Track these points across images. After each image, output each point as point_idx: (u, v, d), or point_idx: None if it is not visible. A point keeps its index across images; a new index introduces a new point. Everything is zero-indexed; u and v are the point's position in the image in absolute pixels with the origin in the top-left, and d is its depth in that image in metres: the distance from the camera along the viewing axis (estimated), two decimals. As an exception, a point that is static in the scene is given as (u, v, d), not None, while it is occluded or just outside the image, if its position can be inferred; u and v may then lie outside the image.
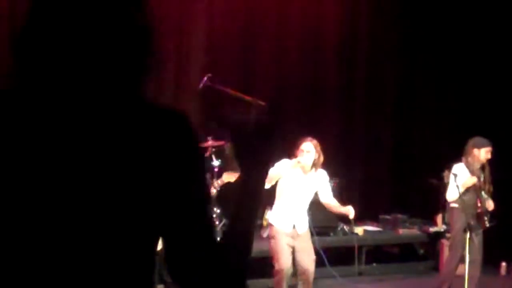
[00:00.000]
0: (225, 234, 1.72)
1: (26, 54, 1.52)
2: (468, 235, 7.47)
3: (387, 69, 10.95)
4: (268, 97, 1.99)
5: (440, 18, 10.96)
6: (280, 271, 6.58)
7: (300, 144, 6.64)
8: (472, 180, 7.53)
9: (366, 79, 10.83)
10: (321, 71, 10.55)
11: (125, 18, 1.53)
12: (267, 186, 6.41)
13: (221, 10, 9.83)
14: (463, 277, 7.45)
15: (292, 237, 6.67)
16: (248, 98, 8.62)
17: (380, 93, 10.86)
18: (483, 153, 7.61)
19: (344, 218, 9.29)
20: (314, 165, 6.71)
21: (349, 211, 7.00)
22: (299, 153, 6.61)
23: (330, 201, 7.00)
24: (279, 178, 6.62)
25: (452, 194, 7.59)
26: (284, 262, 6.59)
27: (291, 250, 6.65)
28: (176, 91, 9.50)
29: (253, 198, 1.75)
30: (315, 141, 6.67)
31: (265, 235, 8.26)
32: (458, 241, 7.63)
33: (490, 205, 7.71)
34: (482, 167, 7.72)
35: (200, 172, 1.65)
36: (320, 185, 6.84)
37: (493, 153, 7.67)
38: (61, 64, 1.49)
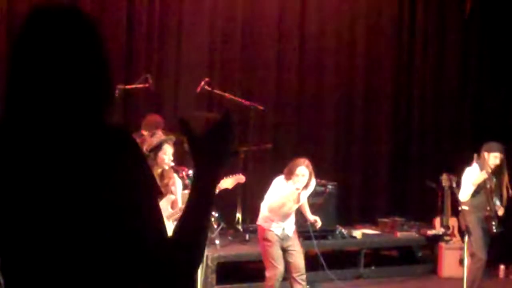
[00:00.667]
0: (175, 231, 1.80)
1: (9, 94, 1.81)
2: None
3: (386, 72, 10.95)
4: (225, 108, 2.07)
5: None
6: (274, 276, 6.66)
7: (295, 168, 6.71)
8: (483, 175, 7.58)
9: (366, 82, 10.82)
10: (321, 75, 10.55)
11: (82, 61, 1.81)
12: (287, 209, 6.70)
13: (221, 12, 9.85)
14: (461, 280, 7.48)
15: (283, 239, 6.77)
16: (246, 102, 8.71)
17: (379, 96, 10.84)
18: (491, 158, 7.71)
19: (342, 222, 9.32)
20: (307, 185, 6.80)
21: (317, 221, 7.13)
22: (294, 177, 6.68)
23: (306, 205, 7.13)
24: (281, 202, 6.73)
25: (464, 194, 7.67)
26: (280, 265, 6.68)
27: (281, 252, 6.76)
28: (176, 95, 9.48)
29: (203, 197, 1.84)
30: (307, 162, 6.74)
31: (247, 237, 8.29)
32: (479, 246, 7.61)
33: (500, 210, 7.76)
34: (496, 172, 7.77)
35: (141, 181, 1.77)
36: (307, 190, 6.90)
37: (504, 159, 7.76)
38: (33, 101, 1.77)
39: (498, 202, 7.79)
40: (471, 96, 11.31)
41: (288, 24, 10.29)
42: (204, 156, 1.85)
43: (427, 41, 11.18)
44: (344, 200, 9.64)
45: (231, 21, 9.88)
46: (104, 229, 1.70)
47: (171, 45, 9.56)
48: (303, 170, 6.68)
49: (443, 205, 9.21)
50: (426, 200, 10.13)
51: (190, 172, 7.45)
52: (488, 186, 7.65)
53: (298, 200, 6.73)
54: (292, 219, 6.87)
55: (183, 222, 1.81)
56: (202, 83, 8.14)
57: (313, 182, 6.95)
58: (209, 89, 8.16)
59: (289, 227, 6.83)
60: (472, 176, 7.64)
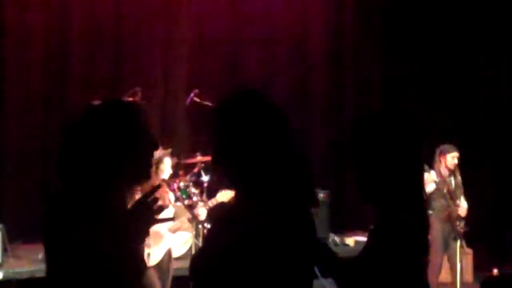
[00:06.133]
0: None
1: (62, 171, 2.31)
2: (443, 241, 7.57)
3: (374, 73, 11.01)
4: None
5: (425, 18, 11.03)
6: None
7: None
8: (431, 186, 7.59)
9: (355, 84, 10.89)
10: (309, 79, 10.62)
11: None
12: None
13: (207, 16, 9.91)
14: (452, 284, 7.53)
15: None
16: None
17: (368, 101, 10.88)
18: (449, 159, 7.75)
19: (335, 229, 9.34)
20: None
21: None
22: None
23: None
24: None
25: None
26: None
27: None
28: (164, 106, 9.51)
29: None
30: None
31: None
32: (434, 250, 7.58)
33: (462, 210, 7.76)
34: (453, 173, 7.81)
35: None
36: None
37: (460, 158, 7.79)
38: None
39: (463, 202, 7.82)
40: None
41: (275, 30, 10.38)
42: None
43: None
44: (337, 207, 9.67)
45: (216, 30, 9.95)
46: None
47: (160, 57, 9.63)
48: None
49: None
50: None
51: (182, 184, 7.48)
52: (445, 190, 7.64)
53: None
54: None
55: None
56: (192, 94, 8.15)
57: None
58: (199, 100, 8.17)
59: None
60: (428, 186, 7.58)
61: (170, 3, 9.79)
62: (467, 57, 10.69)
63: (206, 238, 2.20)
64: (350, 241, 9.30)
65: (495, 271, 9.39)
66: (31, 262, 7.16)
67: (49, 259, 2.29)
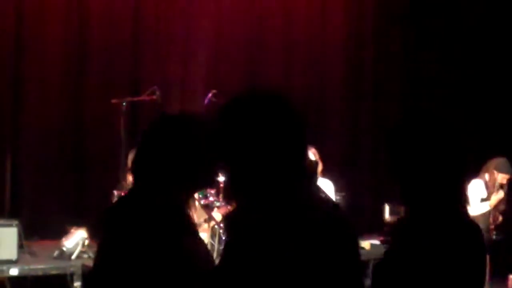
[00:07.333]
0: None
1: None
2: None
3: (395, 77, 10.98)
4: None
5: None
6: None
7: None
8: (498, 197, 7.60)
9: (374, 87, 10.87)
10: (327, 82, 10.62)
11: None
12: None
13: (226, 16, 9.95)
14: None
15: None
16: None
17: (386, 102, 10.83)
18: (499, 178, 7.76)
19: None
20: None
21: None
22: None
23: None
24: None
25: (475, 209, 7.63)
26: None
27: None
28: (181, 105, 9.52)
29: None
30: (313, 149, 6.62)
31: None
32: None
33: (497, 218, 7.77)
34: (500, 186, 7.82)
35: None
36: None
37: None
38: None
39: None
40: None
41: (294, 32, 10.37)
42: None
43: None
44: (352, 210, 9.62)
45: (237, 31, 9.97)
46: None
47: (178, 56, 9.66)
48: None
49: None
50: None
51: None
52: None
53: None
54: None
55: None
56: (210, 95, 8.15)
57: (329, 184, 6.78)
58: (217, 101, 8.16)
59: None
60: (480, 192, 7.58)
61: (190, 3, 9.80)
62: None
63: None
64: (366, 244, 9.25)
65: (511, 277, 9.36)
66: (47, 259, 7.18)
67: (104, 255, 2.42)
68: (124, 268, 2.21)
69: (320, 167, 6.68)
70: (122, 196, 2.58)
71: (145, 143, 2.56)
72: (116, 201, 2.66)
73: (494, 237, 7.69)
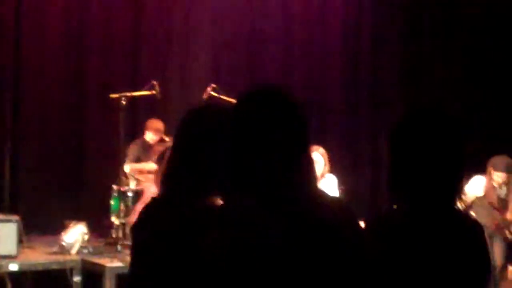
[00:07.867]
0: None
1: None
2: None
3: (393, 71, 10.97)
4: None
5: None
6: None
7: None
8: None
9: (372, 82, 10.87)
10: (326, 77, 10.60)
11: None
12: None
13: (225, 10, 9.94)
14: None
15: None
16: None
17: (386, 99, 10.82)
18: (495, 177, 7.56)
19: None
20: (322, 175, 6.57)
21: None
22: None
23: None
24: None
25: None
26: None
27: None
28: (180, 99, 9.52)
29: None
30: (322, 150, 6.58)
31: None
32: None
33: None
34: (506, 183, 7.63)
35: None
36: (328, 191, 6.79)
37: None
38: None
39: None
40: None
41: (294, 29, 10.36)
42: None
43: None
44: (351, 203, 9.60)
45: (236, 26, 9.96)
46: None
47: (177, 51, 9.66)
48: (317, 156, 6.38)
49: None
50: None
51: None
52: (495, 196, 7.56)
53: None
54: None
55: None
56: (209, 89, 8.15)
57: (333, 179, 6.76)
58: (216, 95, 8.16)
59: None
60: (478, 189, 7.49)
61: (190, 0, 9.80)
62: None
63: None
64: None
65: (511, 269, 9.36)
66: (47, 254, 7.18)
67: (140, 258, 2.32)
68: (166, 271, 2.17)
69: (327, 169, 6.63)
70: (156, 197, 2.38)
71: (182, 143, 2.33)
72: (151, 202, 2.40)
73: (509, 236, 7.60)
